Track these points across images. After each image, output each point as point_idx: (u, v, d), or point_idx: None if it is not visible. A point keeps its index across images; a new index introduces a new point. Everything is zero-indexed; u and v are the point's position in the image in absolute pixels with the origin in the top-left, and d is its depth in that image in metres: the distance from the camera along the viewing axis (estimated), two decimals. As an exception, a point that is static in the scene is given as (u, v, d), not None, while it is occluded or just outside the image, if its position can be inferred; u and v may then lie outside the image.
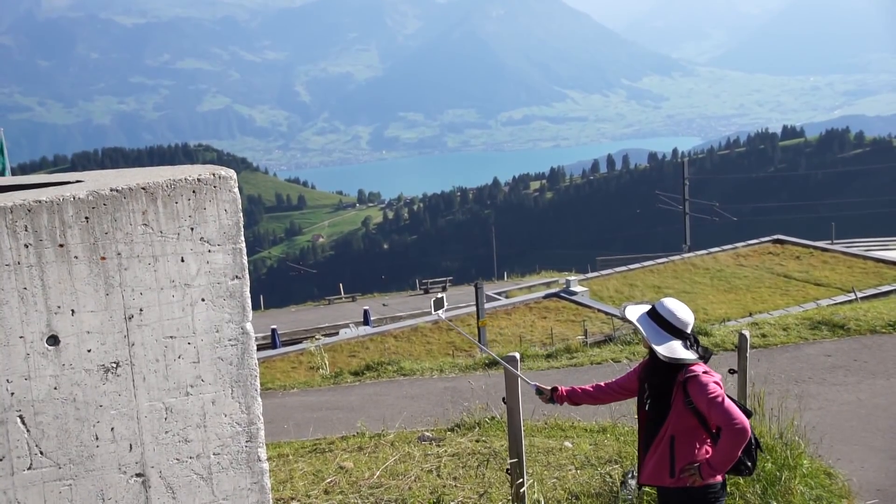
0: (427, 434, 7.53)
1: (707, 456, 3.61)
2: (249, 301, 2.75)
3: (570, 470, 6.02)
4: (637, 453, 4.04)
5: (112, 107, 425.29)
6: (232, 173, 2.72)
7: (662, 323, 3.69)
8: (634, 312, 3.84)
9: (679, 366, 3.62)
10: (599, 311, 22.61)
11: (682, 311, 3.71)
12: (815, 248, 27.16)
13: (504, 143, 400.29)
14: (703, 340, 10.98)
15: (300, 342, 23.43)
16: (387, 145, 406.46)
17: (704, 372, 3.61)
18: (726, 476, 3.75)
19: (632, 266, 27.88)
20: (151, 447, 2.61)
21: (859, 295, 20.13)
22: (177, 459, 2.65)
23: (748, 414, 3.64)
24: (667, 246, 51.70)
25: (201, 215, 2.62)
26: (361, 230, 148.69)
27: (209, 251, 2.63)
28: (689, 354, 3.62)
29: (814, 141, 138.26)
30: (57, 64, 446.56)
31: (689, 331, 3.70)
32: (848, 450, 6.79)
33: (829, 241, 34.01)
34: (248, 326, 2.74)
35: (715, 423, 3.56)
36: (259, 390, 2.79)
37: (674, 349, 3.63)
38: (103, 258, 2.48)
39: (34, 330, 2.42)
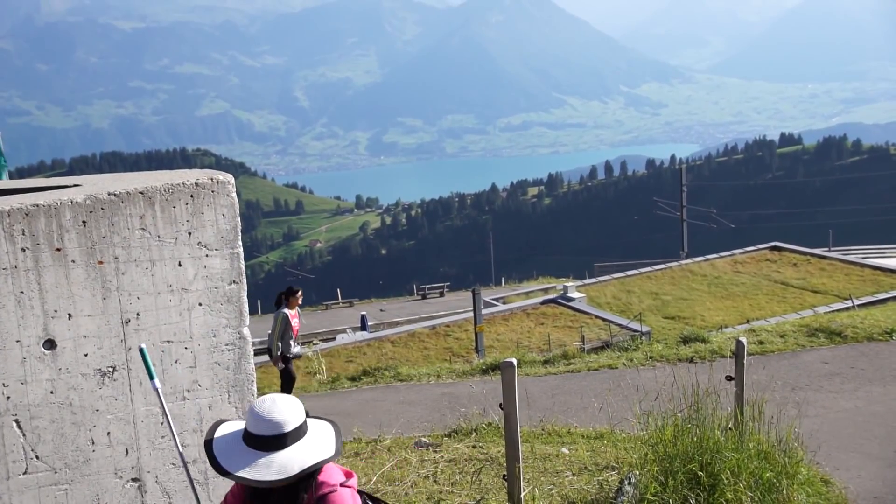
0: (424, 440, 7.51)
1: None
2: (247, 306, 2.74)
3: (567, 476, 6.01)
4: None
5: (111, 111, 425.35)
6: (230, 178, 2.72)
7: (255, 441, 2.27)
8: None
9: (307, 484, 2.33)
10: (597, 317, 22.60)
11: (278, 409, 2.29)
12: (813, 255, 27.18)
13: (502, 148, 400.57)
14: (700, 347, 10.97)
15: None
16: (385, 151, 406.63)
17: (343, 484, 2.40)
18: None
19: (629, 273, 27.89)
20: (148, 452, 2.59)
21: (856, 302, 20.13)
22: (173, 464, 2.64)
23: None
24: (664, 253, 51.66)
25: (199, 220, 2.61)
26: (359, 235, 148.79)
27: (206, 256, 2.63)
28: (320, 453, 2.31)
29: (811, 148, 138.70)
30: (56, 68, 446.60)
31: (290, 428, 2.28)
32: (845, 457, 6.79)
33: (827, 249, 34.05)
34: (246, 331, 2.74)
35: None
36: (256, 395, 2.78)
37: (293, 462, 2.25)
38: (101, 262, 2.47)
39: (31, 334, 2.41)
